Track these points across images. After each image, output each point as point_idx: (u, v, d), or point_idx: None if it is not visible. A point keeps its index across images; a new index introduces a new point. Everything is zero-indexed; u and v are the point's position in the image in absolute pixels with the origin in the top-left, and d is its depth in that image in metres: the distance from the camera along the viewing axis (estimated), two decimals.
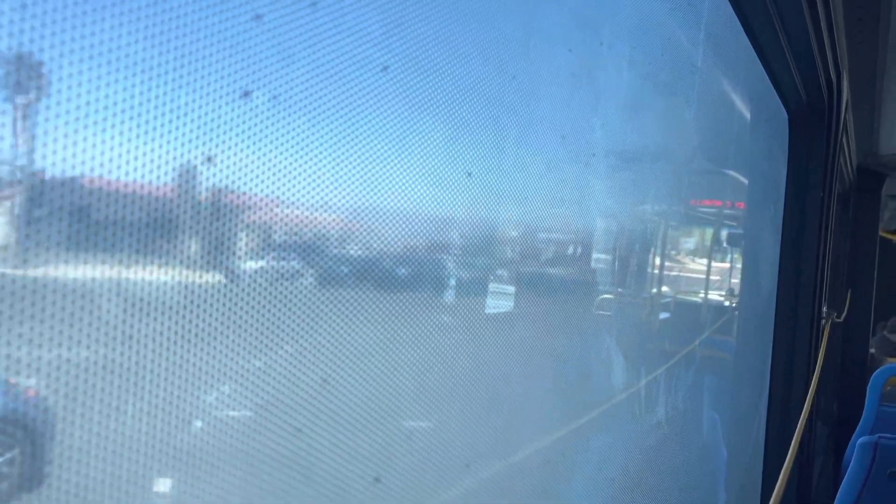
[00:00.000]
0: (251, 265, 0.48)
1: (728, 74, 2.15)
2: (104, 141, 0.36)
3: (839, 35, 2.37)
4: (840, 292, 4.91)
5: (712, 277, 2.50)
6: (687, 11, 1.50)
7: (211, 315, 0.45)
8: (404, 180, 0.61)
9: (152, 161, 0.39)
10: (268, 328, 0.49)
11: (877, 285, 5.32)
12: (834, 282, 4.21)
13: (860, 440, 3.05)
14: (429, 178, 0.65)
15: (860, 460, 2.96)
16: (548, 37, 0.85)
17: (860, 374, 4.86)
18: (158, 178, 0.39)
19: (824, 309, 2.75)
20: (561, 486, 1.25)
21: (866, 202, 5.23)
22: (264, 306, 0.49)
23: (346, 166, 0.54)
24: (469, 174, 0.71)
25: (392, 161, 0.59)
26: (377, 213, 0.59)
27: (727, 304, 2.76)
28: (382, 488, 0.64)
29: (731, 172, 2.61)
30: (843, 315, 4.49)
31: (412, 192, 0.62)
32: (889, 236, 7.18)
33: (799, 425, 1.98)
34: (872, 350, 6.30)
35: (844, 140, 3.49)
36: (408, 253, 0.65)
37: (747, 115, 2.59)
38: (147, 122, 0.38)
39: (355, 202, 0.56)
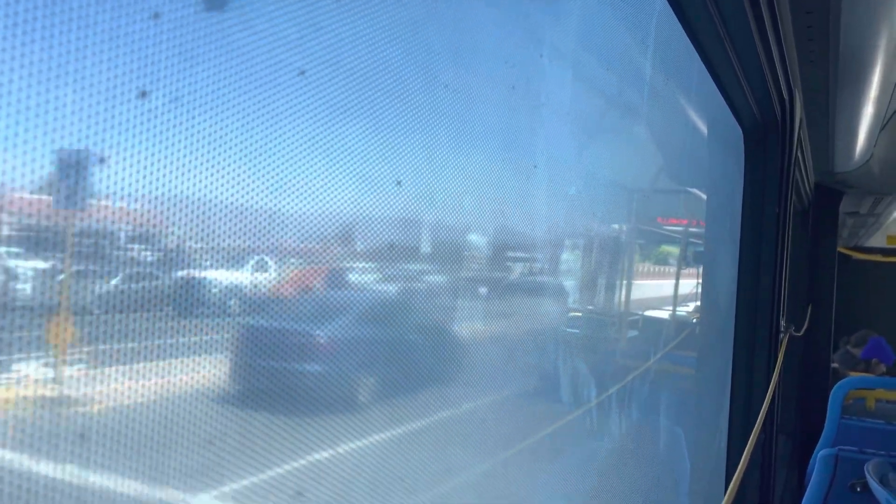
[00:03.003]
0: (146, 270, 0.46)
1: (679, 91, 2.18)
2: None
3: (790, 53, 2.42)
4: (801, 307, 4.98)
5: (672, 293, 2.52)
6: (635, 28, 1.52)
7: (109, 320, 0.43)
8: (325, 184, 0.60)
9: (34, 161, 0.37)
10: (165, 335, 0.48)
11: (837, 301, 5.41)
12: (794, 297, 4.26)
13: (821, 453, 3.08)
14: (354, 184, 0.64)
15: (822, 473, 2.99)
16: (483, 46, 0.85)
17: (822, 388, 4.91)
18: (42, 178, 0.38)
19: (783, 323, 2.79)
20: (521, 500, 1.24)
21: (825, 219, 5.33)
22: (171, 313, 0.48)
23: (258, 170, 0.53)
24: (399, 182, 0.70)
25: (313, 166, 0.58)
26: (294, 217, 0.58)
27: (688, 319, 2.78)
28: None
29: (689, 189, 2.63)
30: (803, 329, 4.55)
31: (333, 197, 0.61)
32: (848, 252, 7.32)
33: (752, 437, 1.99)
34: (836, 365, 6.39)
35: (801, 157, 3.56)
36: (330, 262, 0.63)
37: (703, 131, 2.63)
38: (27, 119, 0.37)
39: (269, 205, 0.55)
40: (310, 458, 0.63)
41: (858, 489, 2.75)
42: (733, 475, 2.49)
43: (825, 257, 5.35)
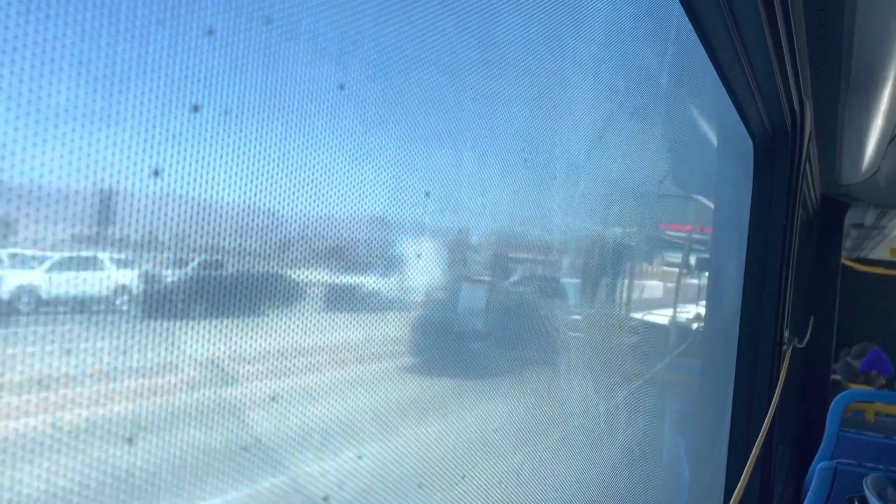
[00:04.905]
0: (193, 276, 0.47)
1: (695, 102, 2.18)
2: (45, 152, 0.35)
3: (802, 66, 2.43)
4: (803, 318, 4.99)
5: (677, 301, 2.53)
6: (653, 39, 1.53)
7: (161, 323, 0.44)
8: (360, 196, 0.61)
9: (96, 173, 0.38)
10: (214, 341, 0.49)
11: (839, 312, 5.41)
12: (796, 308, 4.27)
13: (820, 465, 3.09)
14: (386, 196, 0.65)
15: (820, 485, 3.00)
16: (509, 58, 0.86)
17: (822, 400, 4.92)
18: (102, 190, 0.39)
19: (786, 334, 2.79)
20: None
21: (829, 230, 5.34)
22: (208, 317, 0.49)
23: (300, 181, 0.54)
24: (427, 194, 0.71)
25: (349, 177, 0.60)
26: (333, 227, 0.59)
27: (692, 327, 2.79)
28: None
29: (698, 198, 2.64)
30: (805, 341, 4.56)
31: (369, 207, 0.62)
32: (851, 264, 7.32)
33: (755, 448, 2.00)
34: (836, 377, 6.40)
35: (808, 169, 3.56)
36: (363, 269, 0.65)
37: (716, 142, 2.64)
38: (91, 133, 0.38)
39: (310, 217, 0.56)
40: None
41: (856, 503, 2.76)
42: (733, 486, 2.50)
43: (829, 269, 5.35)
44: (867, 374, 6.71)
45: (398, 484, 0.74)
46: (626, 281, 1.77)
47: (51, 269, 0.38)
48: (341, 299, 0.63)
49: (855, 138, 3.65)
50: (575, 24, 1.10)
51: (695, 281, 2.80)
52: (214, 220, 0.47)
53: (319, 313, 0.61)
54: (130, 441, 0.41)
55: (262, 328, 0.54)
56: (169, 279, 0.45)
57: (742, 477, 1.73)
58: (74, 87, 0.36)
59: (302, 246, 0.56)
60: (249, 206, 0.50)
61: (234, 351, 0.51)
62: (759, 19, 1.72)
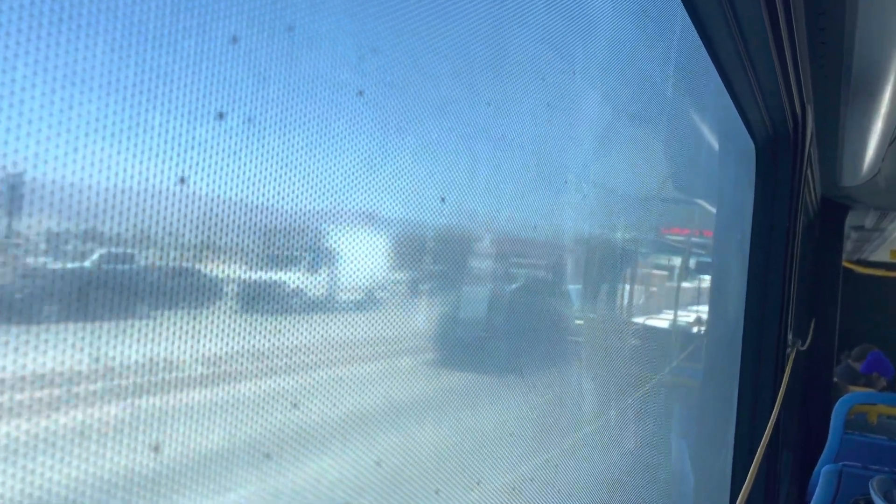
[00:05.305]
0: (218, 287, 0.47)
1: (697, 106, 2.19)
2: (76, 160, 0.35)
3: (804, 69, 2.43)
4: (804, 321, 4.99)
5: (682, 305, 2.53)
6: (657, 45, 1.54)
7: (173, 328, 0.44)
8: (380, 201, 0.61)
9: (124, 181, 0.38)
10: (234, 349, 0.49)
11: (840, 315, 5.41)
12: (798, 311, 4.28)
13: (825, 468, 3.09)
14: (403, 201, 0.65)
15: (825, 488, 2.99)
16: (521, 64, 0.87)
17: (825, 403, 4.92)
18: (130, 198, 0.39)
19: (790, 337, 2.79)
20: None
21: (830, 232, 5.34)
22: (231, 329, 0.49)
23: (321, 186, 0.54)
24: (443, 199, 0.71)
25: (368, 183, 0.60)
26: (352, 231, 0.59)
27: (697, 331, 2.79)
28: None
29: (701, 202, 2.65)
30: (808, 343, 4.55)
31: (387, 212, 0.62)
32: (852, 267, 7.33)
33: (759, 452, 2.00)
34: (836, 379, 6.39)
35: (809, 172, 3.57)
36: (382, 272, 0.65)
37: (716, 145, 2.64)
38: (120, 141, 0.38)
39: (330, 224, 0.56)
40: None
41: None
42: (738, 490, 2.49)
43: (830, 271, 5.36)
44: (868, 377, 6.71)
45: (417, 489, 0.74)
46: (635, 286, 1.77)
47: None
48: (357, 301, 0.63)
49: (855, 141, 3.66)
50: (581, 30, 1.11)
51: (699, 284, 2.80)
52: (238, 225, 0.47)
53: (337, 312, 0.61)
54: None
55: (292, 326, 0.54)
56: (193, 282, 0.45)
57: (747, 480, 1.73)
58: (105, 96, 0.37)
59: (322, 248, 0.56)
60: (272, 211, 0.50)
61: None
62: (762, 24, 1.72)
